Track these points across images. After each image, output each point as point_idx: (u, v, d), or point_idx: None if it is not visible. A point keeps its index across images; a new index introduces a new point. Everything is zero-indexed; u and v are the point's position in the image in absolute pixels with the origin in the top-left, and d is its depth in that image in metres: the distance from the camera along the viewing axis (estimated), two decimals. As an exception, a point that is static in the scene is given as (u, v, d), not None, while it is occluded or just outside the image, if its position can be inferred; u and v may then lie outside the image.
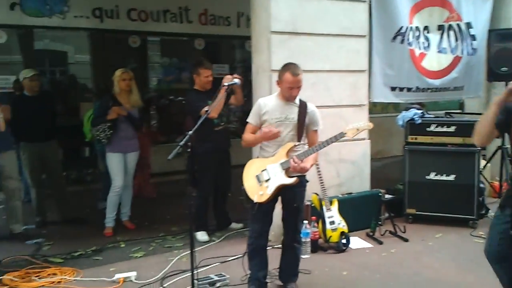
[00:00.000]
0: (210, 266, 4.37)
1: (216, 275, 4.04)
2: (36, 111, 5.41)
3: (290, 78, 3.53)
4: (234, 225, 5.55)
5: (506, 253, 3.04)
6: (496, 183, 6.66)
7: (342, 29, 5.35)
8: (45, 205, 5.82)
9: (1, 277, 4.08)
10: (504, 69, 6.19)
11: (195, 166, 4.41)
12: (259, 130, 3.68)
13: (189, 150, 3.47)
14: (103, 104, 5.36)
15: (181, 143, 3.42)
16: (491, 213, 5.89)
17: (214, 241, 5.18)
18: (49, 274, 4.20)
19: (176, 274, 4.21)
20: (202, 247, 4.90)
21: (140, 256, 4.75)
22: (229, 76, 4.58)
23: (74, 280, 4.12)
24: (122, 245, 5.06)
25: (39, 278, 4.13)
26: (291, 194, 3.64)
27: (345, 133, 3.56)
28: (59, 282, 4.08)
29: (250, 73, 5.30)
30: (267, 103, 3.67)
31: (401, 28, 5.80)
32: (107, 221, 5.42)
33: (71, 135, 7.06)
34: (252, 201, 3.61)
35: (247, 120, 3.73)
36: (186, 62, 9.35)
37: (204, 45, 8.80)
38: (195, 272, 3.52)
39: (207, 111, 4.17)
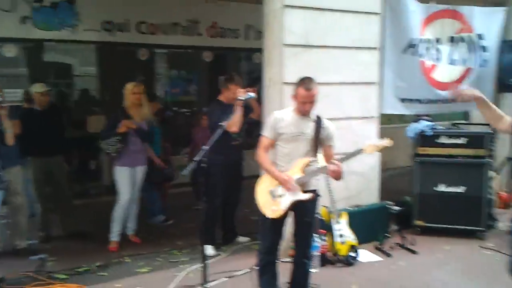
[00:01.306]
0: (218, 281, 4.31)
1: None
2: (45, 125, 5.37)
3: (303, 93, 3.51)
4: (241, 238, 5.49)
5: None
6: (504, 194, 6.62)
7: (354, 41, 5.33)
8: (49, 219, 5.76)
9: (5, 295, 4.02)
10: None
11: (206, 178, 4.36)
12: (273, 147, 3.64)
13: (203, 164, 3.43)
14: (113, 117, 5.32)
15: (197, 158, 3.39)
16: (499, 224, 5.84)
17: (220, 255, 5.12)
18: (54, 291, 4.13)
19: (184, 289, 4.14)
20: (209, 261, 4.81)
21: (146, 272, 4.69)
22: (242, 90, 4.56)
23: (80, 296, 4.06)
24: (128, 260, 4.99)
25: (44, 295, 4.06)
26: (303, 209, 3.59)
27: (363, 150, 3.52)
28: (64, 298, 4.02)
29: (257, 85, 5.28)
30: (283, 117, 3.63)
31: (412, 40, 5.78)
32: (112, 235, 5.35)
33: (77, 148, 7.02)
34: (264, 215, 3.56)
35: (262, 134, 3.68)
36: (193, 75, 9.34)
37: (212, 57, 8.80)
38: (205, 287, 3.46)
39: (222, 125, 4.09)
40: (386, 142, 3.56)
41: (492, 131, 5.63)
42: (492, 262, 4.82)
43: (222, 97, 5.19)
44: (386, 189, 5.91)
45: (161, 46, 8.54)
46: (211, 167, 4.32)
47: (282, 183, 3.50)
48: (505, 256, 4.78)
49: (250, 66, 9.60)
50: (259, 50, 5.28)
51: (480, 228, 5.49)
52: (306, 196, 3.51)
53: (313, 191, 3.60)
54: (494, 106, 3.22)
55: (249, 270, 4.05)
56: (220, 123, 4.08)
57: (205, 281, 3.39)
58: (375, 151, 3.57)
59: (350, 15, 5.26)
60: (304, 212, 3.60)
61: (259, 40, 5.30)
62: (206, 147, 3.49)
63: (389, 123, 9.38)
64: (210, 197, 4.80)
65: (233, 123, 4.48)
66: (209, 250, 5.03)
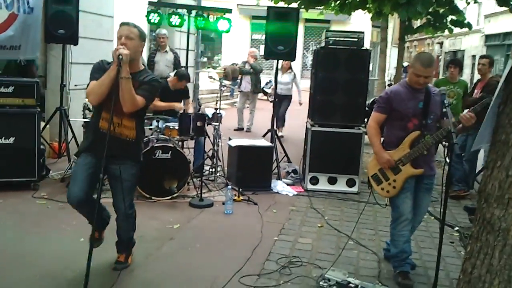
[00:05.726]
0: None
1: None
2: None
3: None
4: None
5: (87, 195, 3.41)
6: (56, 144, 6.81)
7: None
8: None
9: None
10: (61, 31, 6.26)
11: None
12: None
13: None
14: None
15: None
16: (52, 174, 6.02)
17: None
18: None
19: None
20: None
21: None
22: None
23: None
24: None
25: None
26: None
27: None
28: None
29: None
30: None
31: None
32: None
33: None
34: None
35: None
36: None
37: None
38: None
39: None
40: None
41: (38, 80, 5.63)
42: (45, 210, 4.95)
43: None
44: None
45: None
46: None
47: None
48: (58, 203, 5.05)
49: None
50: None
51: (33, 179, 5.49)
52: None
53: None
54: None
55: None
56: None
57: None
58: None
59: None
60: None
61: None
62: None
63: None
64: None
65: None
66: None
